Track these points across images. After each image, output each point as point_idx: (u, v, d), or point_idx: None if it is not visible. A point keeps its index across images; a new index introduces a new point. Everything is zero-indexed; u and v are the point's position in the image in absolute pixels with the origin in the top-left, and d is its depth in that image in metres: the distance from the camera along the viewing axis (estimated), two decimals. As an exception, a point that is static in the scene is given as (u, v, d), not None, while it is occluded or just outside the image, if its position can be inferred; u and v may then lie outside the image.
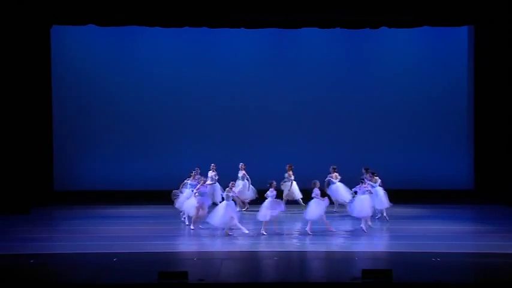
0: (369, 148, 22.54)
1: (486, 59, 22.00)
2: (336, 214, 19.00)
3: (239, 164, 19.91)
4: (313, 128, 22.77)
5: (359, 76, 22.87)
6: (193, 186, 17.80)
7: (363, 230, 16.74)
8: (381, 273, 12.26)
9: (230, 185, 16.83)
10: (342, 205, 19.00)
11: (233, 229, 16.55)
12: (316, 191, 16.60)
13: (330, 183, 19.30)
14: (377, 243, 16.15)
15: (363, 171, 18.23)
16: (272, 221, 16.76)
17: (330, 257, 14.51)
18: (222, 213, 16.30)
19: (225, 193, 16.75)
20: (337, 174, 19.34)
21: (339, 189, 19.24)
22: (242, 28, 21.53)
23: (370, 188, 17.21)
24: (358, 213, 16.97)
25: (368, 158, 21.72)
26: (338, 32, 22.03)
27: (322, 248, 15.37)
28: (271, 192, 16.74)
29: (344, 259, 14.35)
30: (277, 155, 21.75)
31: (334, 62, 22.91)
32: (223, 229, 16.50)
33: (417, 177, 22.41)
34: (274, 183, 17.00)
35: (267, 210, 16.56)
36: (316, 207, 16.50)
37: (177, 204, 18.10)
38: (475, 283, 12.36)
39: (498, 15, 20.22)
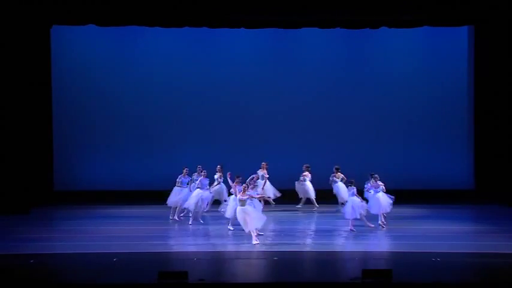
0: (369, 148, 22.56)
1: (486, 59, 21.99)
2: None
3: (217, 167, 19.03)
4: (312, 128, 22.75)
5: (359, 76, 22.86)
6: (184, 183, 18.25)
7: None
8: (381, 273, 12.25)
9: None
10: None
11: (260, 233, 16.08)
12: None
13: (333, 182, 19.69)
14: (377, 243, 16.14)
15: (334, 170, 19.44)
16: (360, 218, 16.87)
17: (330, 257, 14.49)
18: (251, 216, 15.76)
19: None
20: (340, 173, 19.69)
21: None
22: (242, 28, 21.56)
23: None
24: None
25: (368, 158, 21.84)
26: (338, 32, 22.04)
27: (322, 248, 15.36)
28: (351, 191, 16.81)
29: (344, 259, 14.36)
30: (278, 155, 21.74)
31: (334, 62, 22.91)
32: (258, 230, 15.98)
33: (417, 177, 22.41)
34: (354, 181, 17.17)
35: (354, 208, 16.63)
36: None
37: (169, 202, 18.45)
38: (475, 283, 12.33)
39: (498, 15, 20.22)
